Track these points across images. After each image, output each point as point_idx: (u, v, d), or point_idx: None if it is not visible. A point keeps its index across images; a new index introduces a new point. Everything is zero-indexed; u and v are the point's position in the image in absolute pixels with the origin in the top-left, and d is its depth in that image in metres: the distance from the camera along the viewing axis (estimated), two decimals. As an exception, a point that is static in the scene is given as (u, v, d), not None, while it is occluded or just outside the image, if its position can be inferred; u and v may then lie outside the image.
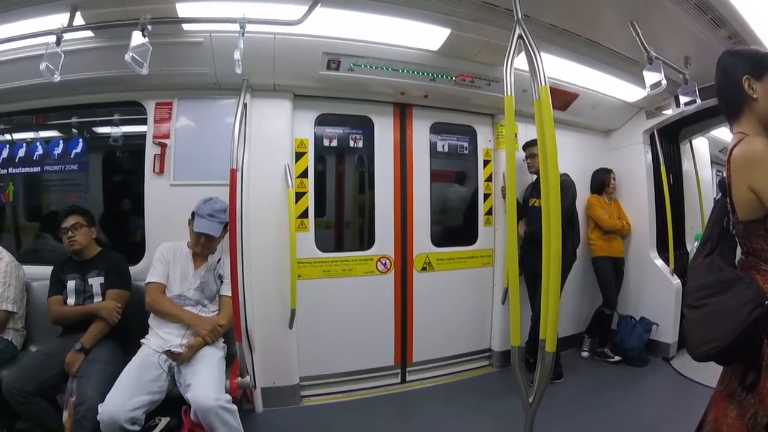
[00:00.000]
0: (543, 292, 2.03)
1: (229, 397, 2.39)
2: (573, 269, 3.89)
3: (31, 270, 3.12)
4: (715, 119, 4.72)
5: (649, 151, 4.59)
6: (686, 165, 5.27)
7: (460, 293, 4.03)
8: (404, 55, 3.20)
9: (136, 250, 3.22)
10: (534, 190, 3.83)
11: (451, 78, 3.47)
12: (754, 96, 1.45)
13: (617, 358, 4.22)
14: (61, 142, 3.49)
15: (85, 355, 2.58)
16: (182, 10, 2.64)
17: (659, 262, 4.40)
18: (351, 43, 3.05)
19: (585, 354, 4.44)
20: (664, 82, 2.87)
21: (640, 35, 2.81)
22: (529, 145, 3.76)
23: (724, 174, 1.48)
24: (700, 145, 5.63)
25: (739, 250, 1.53)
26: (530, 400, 2.11)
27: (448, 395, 3.65)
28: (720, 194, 1.54)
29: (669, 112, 4.31)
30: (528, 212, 3.73)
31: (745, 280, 1.38)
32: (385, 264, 3.76)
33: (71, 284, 2.82)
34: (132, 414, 2.23)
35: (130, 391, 2.31)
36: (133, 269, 3.03)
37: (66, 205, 3.31)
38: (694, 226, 5.02)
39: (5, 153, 3.52)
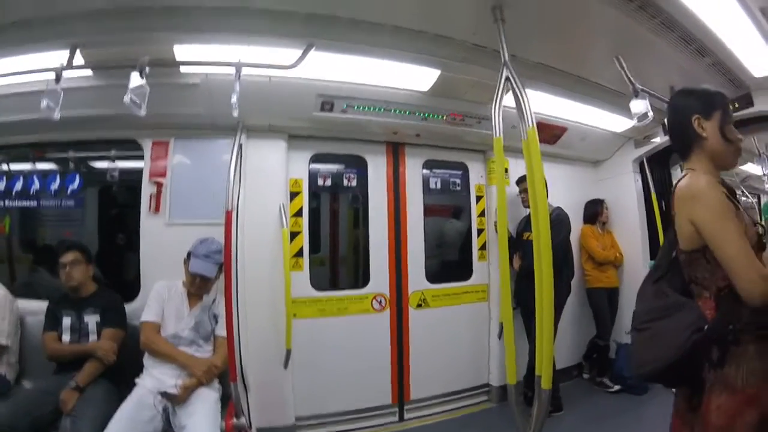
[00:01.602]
0: (537, 327, 2.05)
1: (224, 438, 2.37)
2: (568, 301, 3.90)
3: (25, 304, 3.09)
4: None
5: (639, 179, 4.65)
6: (679, 189, 5.31)
7: (456, 329, 4.02)
8: (396, 95, 3.28)
9: (131, 288, 3.20)
10: (528, 223, 3.82)
11: (442, 117, 3.54)
12: (704, 135, 1.53)
13: (617, 387, 4.20)
14: (57, 176, 3.50)
15: (79, 394, 2.55)
16: (180, 53, 2.70)
17: (654, 289, 4.39)
18: (344, 85, 3.12)
19: (586, 376, 4.48)
20: (650, 114, 2.93)
21: (625, 69, 2.87)
22: (522, 180, 3.81)
23: None
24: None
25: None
26: (529, 434, 2.11)
27: (447, 432, 3.60)
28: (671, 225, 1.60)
29: (657, 140, 4.38)
30: (522, 246, 3.75)
31: (688, 305, 1.45)
32: (380, 302, 3.76)
33: (66, 321, 2.80)
34: (126, 455, 2.19)
35: (124, 431, 2.29)
36: (127, 307, 3.00)
37: (62, 239, 3.32)
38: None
39: (1, 186, 3.52)
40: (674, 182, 1.54)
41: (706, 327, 1.37)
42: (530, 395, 3.38)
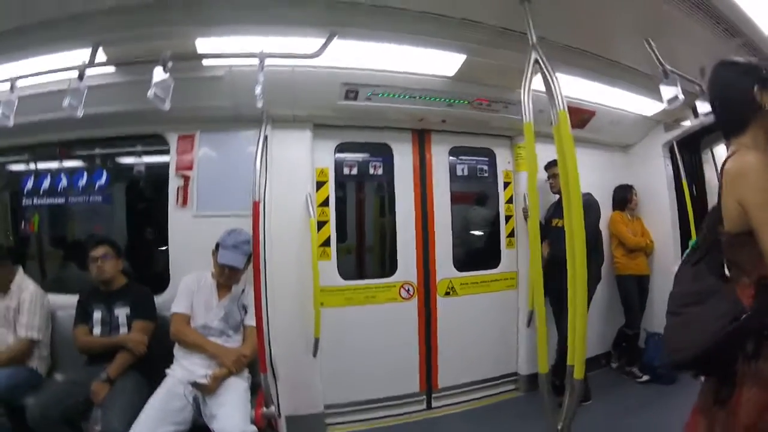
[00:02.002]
0: (570, 316, 2.00)
1: (254, 428, 2.39)
2: (598, 288, 3.83)
3: (55, 299, 3.17)
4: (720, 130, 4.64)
5: (670, 164, 4.53)
6: (709, 174, 5.19)
7: (484, 317, 3.99)
8: (421, 82, 3.23)
9: (159, 281, 3.25)
10: (556, 210, 3.81)
11: (468, 103, 3.49)
12: (766, 106, 1.43)
13: (645, 377, 4.13)
14: (84, 173, 3.58)
15: (110, 385, 2.60)
16: (202, 46, 2.70)
17: (686, 276, 4.29)
18: (368, 72, 3.09)
19: (614, 365, 4.44)
20: (681, 96, 2.83)
21: (655, 50, 2.78)
22: (551, 166, 3.72)
23: None
24: (723, 152, 5.49)
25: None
26: (559, 426, 2.08)
27: (475, 421, 3.60)
28: (715, 204, 1.53)
29: (688, 124, 4.26)
30: (550, 233, 3.69)
31: (725, 292, 1.38)
32: (408, 290, 3.75)
33: (97, 315, 2.86)
34: (157, 444, 2.23)
35: (155, 421, 2.33)
36: (157, 299, 3.06)
37: (91, 234, 3.41)
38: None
39: (30, 184, 3.61)
40: (722, 160, 1.45)
41: (743, 317, 1.30)
42: (558, 384, 3.33)
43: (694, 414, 1.51)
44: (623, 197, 4.42)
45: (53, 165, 3.66)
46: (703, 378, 1.60)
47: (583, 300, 1.95)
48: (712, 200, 4.96)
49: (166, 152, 3.35)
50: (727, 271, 1.47)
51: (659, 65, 2.80)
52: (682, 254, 4.34)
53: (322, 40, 2.61)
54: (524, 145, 3.74)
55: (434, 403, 3.82)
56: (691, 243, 4.35)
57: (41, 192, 3.60)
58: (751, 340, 1.30)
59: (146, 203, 3.74)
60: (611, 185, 4.47)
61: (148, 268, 3.60)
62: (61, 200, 3.62)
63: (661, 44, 2.79)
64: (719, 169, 1.45)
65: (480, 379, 3.98)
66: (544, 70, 2.07)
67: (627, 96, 3.83)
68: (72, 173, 3.59)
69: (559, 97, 2.00)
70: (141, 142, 3.53)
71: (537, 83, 2.10)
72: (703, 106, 3.41)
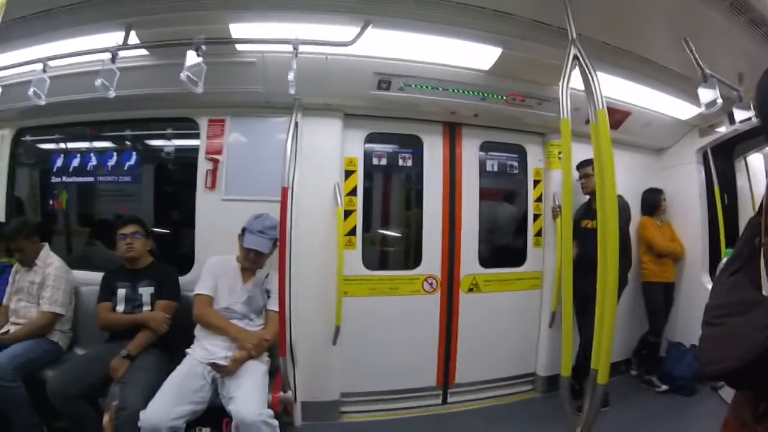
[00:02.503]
0: (597, 320, 1.98)
1: (271, 411, 2.41)
2: (623, 293, 3.74)
3: (80, 275, 3.25)
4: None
5: (702, 170, 4.42)
6: (741, 182, 5.07)
7: (506, 315, 3.95)
8: (455, 74, 3.20)
9: (185, 261, 3.29)
10: (587, 211, 3.74)
11: (502, 97, 3.44)
12: None
13: (665, 387, 4.04)
14: (114, 154, 3.64)
15: (130, 362, 2.64)
16: (235, 31, 2.71)
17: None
18: (402, 63, 3.07)
19: (633, 372, 4.38)
20: (719, 101, 2.76)
21: (694, 52, 2.72)
22: (583, 165, 3.67)
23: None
24: (755, 161, 5.35)
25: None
26: (578, 430, 2.05)
27: (490, 419, 3.58)
28: (756, 213, 1.47)
29: (723, 130, 4.12)
30: (579, 234, 3.60)
31: (767, 304, 1.30)
32: (431, 284, 3.73)
33: (121, 292, 2.90)
34: (173, 423, 2.26)
35: (172, 399, 2.36)
36: (182, 279, 3.10)
37: (120, 213, 3.46)
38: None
39: (60, 162, 3.68)
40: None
41: None
42: (577, 388, 3.31)
43: (727, 428, 1.46)
44: (653, 202, 4.31)
45: (83, 144, 3.74)
46: (734, 391, 1.56)
47: (613, 304, 1.93)
48: (743, 209, 4.90)
49: (196, 136, 3.38)
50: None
51: (698, 68, 2.74)
52: (710, 263, 4.26)
53: (357, 29, 2.61)
54: (558, 143, 3.77)
55: (450, 399, 3.81)
56: (726, 252, 4.28)
57: (71, 170, 3.67)
58: None
59: (174, 185, 3.78)
60: (641, 188, 4.37)
61: (175, 249, 3.64)
62: (90, 179, 3.69)
63: (699, 47, 2.74)
64: None
65: (497, 377, 3.95)
66: (584, 66, 2.04)
67: (663, 98, 3.74)
68: (102, 153, 3.65)
69: (599, 95, 1.96)
70: (171, 124, 3.57)
71: (572, 81, 2.07)
72: (740, 113, 3.33)
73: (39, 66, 2.75)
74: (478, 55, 3.03)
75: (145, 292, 2.92)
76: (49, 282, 3.00)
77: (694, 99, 2.93)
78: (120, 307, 2.89)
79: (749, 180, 5.13)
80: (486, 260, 3.92)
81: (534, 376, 4.07)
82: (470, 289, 3.84)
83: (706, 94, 2.78)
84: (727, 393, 3.77)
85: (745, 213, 4.93)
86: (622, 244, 3.45)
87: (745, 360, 1.27)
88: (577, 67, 2.09)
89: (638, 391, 4.11)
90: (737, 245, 1.54)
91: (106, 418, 2.45)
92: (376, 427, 3.41)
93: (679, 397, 3.91)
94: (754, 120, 3.28)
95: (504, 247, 4.21)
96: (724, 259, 1.60)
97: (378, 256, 3.86)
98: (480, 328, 3.84)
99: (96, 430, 2.50)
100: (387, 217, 3.95)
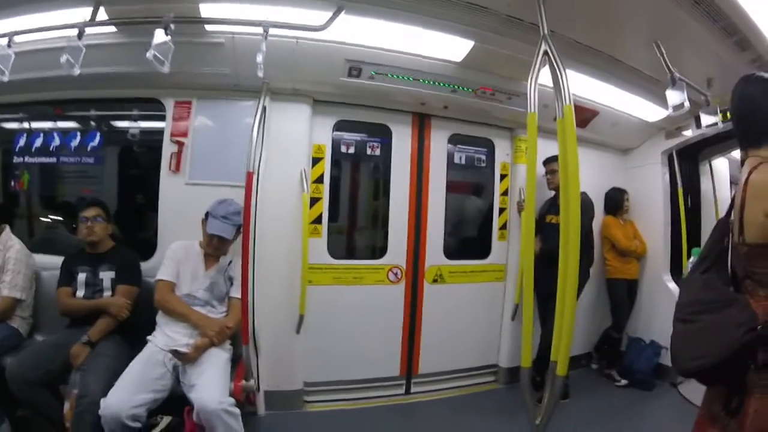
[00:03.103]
0: (557, 313, 2.01)
1: (232, 400, 2.38)
2: (585, 288, 3.82)
3: (41, 259, 3.13)
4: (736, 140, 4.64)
5: (667, 172, 4.53)
6: (705, 185, 5.22)
7: (470, 307, 4.00)
8: (426, 65, 3.19)
9: (147, 247, 3.22)
10: (551, 206, 3.79)
11: (472, 90, 3.45)
12: None
13: (624, 382, 4.15)
14: (78, 134, 3.52)
15: (91, 348, 2.58)
16: (205, 11, 2.65)
17: (672, 285, 4.32)
18: (373, 51, 3.04)
19: (594, 366, 4.49)
20: (687, 104, 2.82)
21: (665, 55, 2.77)
22: (550, 161, 3.71)
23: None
24: (720, 165, 5.55)
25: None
26: (537, 421, 2.09)
27: (452, 409, 3.63)
28: (725, 214, 1.53)
29: (689, 133, 4.23)
30: (544, 229, 3.67)
31: (741, 301, 1.38)
32: (396, 274, 3.74)
33: (82, 277, 2.83)
34: (134, 411, 2.22)
35: (133, 387, 2.31)
36: (144, 265, 3.04)
37: (83, 196, 3.36)
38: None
39: (22, 142, 3.55)
40: (745, 170, 1.44)
41: (759, 327, 1.30)
42: (538, 380, 3.37)
43: (701, 424, 1.51)
44: (616, 201, 4.41)
45: (47, 124, 3.60)
46: (695, 388, 1.60)
47: (573, 298, 1.96)
48: (706, 211, 5.04)
49: (162, 118, 3.29)
50: (738, 282, 1.47)
51: (668, 70, 2.79)
52: (672, 262, 4.38)
53: (329, 14, 2.58)
54: (525, 138, 3.79)
55: (413, 389, 3.84)
56: (694, 251, 4.42)
57: (33, 150, 3.54)
58: (762, 351, 1.30)
59: (139, 168, 3.69)
60: (606, 186, 4.46)
61: (137, 233, 3.57)
62: (52, 160, 3.56)
63: (671, 50, 2.79)
64: (743, 180, 1.43)
65: (460, 368, 3.99)
66: (554, 62, 2.05)
67: (631, 99, 3.81)
68: (65, 133, 3.53)
69: (566, 92, 1.98)
70: (137, 105, 3.47)
71: (543, 78, 2.08)
72: (707, 117, 3.41)
73: (4, 41, 2.63)
74: (450, 47, 3.03)
75: (106, 276, 2.85)
76: (9, 266, 2.88)
77: (662, 101, 2.99)
78: (80, 292, 2.82)
79: (713, 183, 5.30)
80: (451, 252, 3.95)
81: (496, 367, 4.14)
82: (435, 280, 3.87)
83: (674, 97, 2.84)
84: (686, 389, 3.91)
85: (708, 215, 5.09)
86: (585, 240, 3.53)
87: (723, 356, 1.33)
88: (546, 64, 2.10)
89: (598, 385, 4.21)
90: (706, 245, 1.60)
91: (66, 406, 2.41)
92: (339, 416, 3.42)
93: (638, 392, 4.01)
94: (721, 125, 3.37)
95: (469, 240, 4.25)
96: (692, 258, 1.64)
97: (344, 244, 3.84)
98: (444, 319, 3.88)
99: (57, 418, 2.46)
100: (354, 205, 3.93)
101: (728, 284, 1.47)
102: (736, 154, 5.27)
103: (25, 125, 3.63)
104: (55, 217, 3.67)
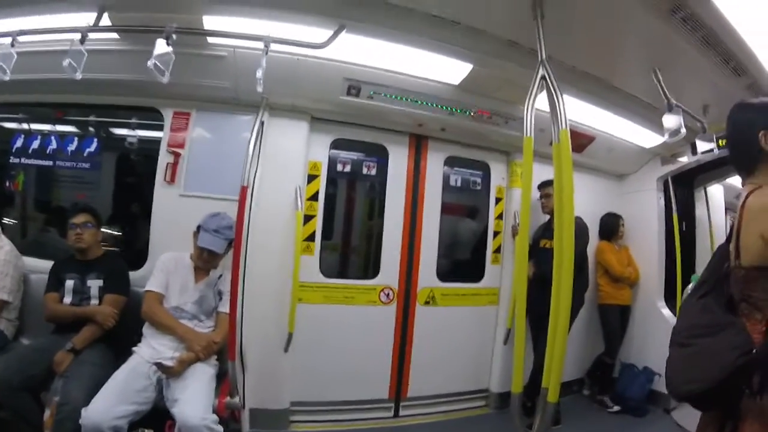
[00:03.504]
0: (549, 338, 1.98)
1: (215, 417, 2.34)
2: (579, 314, 3.81)
3: (31, 262, 3.11)
4: (731, 167, 4.65)
5: (662, 198, 4.55)
6: (700, 211, 5.25)
7: (461, 330, 3.96)
8: (425, 87, 3.21)
9: (138, 256, 3.19)
10: (546, 230, 3.79)
11: (469, 113, 3.48)
12: None
13: (617, 408, 4.11)
14: (75, 138, 3.52)
15: (75, 356, 2.55)
16: (208, 23, 2.65)
17: (666, 311, 4.31)
18: (373, 71, 3.06)
19: (586, 392, 4.45)
20: (683, 131, 2.83)
21: (661, 82, 2.79)
22: (545, 185, 3.73)
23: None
24: (715, 191, 5.57)
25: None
26: (528, 449, 2.06)
27: (441, 434, 3.56)
28: (725, 240, 1.53)
29: (684, 159, 4.26)
30: (538, 253, 3.66)
31: (737, 325, 1.37)
32: (388, 295, 3.71)
33: (69, 283, 2.81)
34: (115, 422, 2.18)
35: (116, 398, 2.27)
36: (133, 274, 3.01)
37: (75, 202, 3.31)
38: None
39: (19, 143, 3.53)
40: (742, 195, 1.45)
41: (754, 351, 1.29)
42: (529, 405, 3.32)
43: None
44: (611, 227, 4.42)
45: (45, 126, 3.59)
46: (688, 413, 1.60)
47: (565, 323, 1.94)
48: (701, 237, 5.05)
49: (160, 127, 3.29)
50: (735, 306, 1.46)
51: (664, 97, 2.81)
52: (666, 288, 4.37)
53: (330, 32, 2.59)
54: (521, 162, 3.80)
55: (402, 412, 3.78)
56: (693, 277, 4.40)
57: (30, 152, 3.53)
58: (758, 375, 1.29)
59: (135, 177, 3.68)
60: (601, 211, 4.47)
61: (129, 242, 3.55)
62: (48, 163, 3.55)
63: (667, 77, 2.80)
64: (740, 204, 1.44)
65: (450, 392, 3.94)
66: (551, 87, 2.06)
67: (628, 125, 3.83)
68: (63, 137, 3.53)
69: (563, 116, 1.99)
70: (136, 113, 3.47)
71: (540, 102, 2.09)
72: (703, 144, 3.43)
73: (7, 40, 2.61)
74: (448, 70, 3.05)
75: (94, 284, 2.83)
76: None
77: (658, 128, 3.00)
78: (67, 299, 2.79)
79: (708, 210, 5.31)
80: (444, 274, 3.93)
81: (487, 392, 4.08)
82: (427, 302, 3.84)
83: (670, 123, 2.85)
84: (680, 415, 3.89)
85: (703, 241, 5.11)
86: (580, 265, 3.54)
87: (716, 380, 1.32)
88: (544, 89, 2.11)
89: (590, 411, 4.17)
90: (705, 270, 1.60)
91: (47, 414, 2.37)
92: (326, 437, 3.36)
93: (631, 418, 3.98)
94: (716, 151, 3.38)
95: (463, 262, 4.24)
96: (690, 284, 1.64)
97: (336, 263, 3.82)
98: (435, 341, 3.84)
99: (37, 424, 2.41)
100: (347, 224, 3.92)
101: (724, 310, 1.46)
102: (732, 180, 5.35)
103: (24, 126, 3.62)
104: (48, 221, 3.63)
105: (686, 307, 1.57)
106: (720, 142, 3.37)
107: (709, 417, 1.47)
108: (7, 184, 3.62)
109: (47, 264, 2.94)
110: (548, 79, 2.07)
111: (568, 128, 1.96)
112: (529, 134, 2.01)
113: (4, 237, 3.01)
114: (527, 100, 2.06)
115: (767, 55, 2.72)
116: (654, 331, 4.29)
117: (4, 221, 3.51)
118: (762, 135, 1.44)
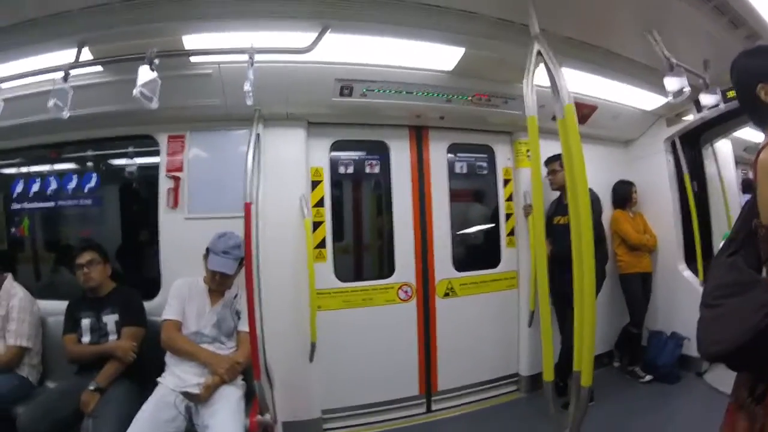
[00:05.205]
0: (576, 320, 1.95)
1: (248, 438, 2.31)
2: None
3: (46, 305, 3.11)
4: (737, 120, 4.58)
5: (672, 159, 4.47)
6: (710, 169, 5.17)
7: (484, 318, 3.92)
8: (418, 77, 3.16)
9: (151, 285, 3.18)
10: (558, 206, 3.73)
11: (467, 98, 3.42)
12: None
13: (648, 377, 4.05)
14: (74, 176, 3.51)
15: (100, 395, 2.54)
16: (189, 43, 2.62)
17: (688, 273, 4.24)
18: (363, 68, 3.02)
19: (616, 364, 4.41)
20: (687, 89, 2.76)
21: (660, 43, 2.72)
22: (551, 161, 3.66)
23: (750, 174, 1.42)
24: (723, 147, 5.46)
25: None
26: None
27: (476, 423, 3.55)
28: (750, 195, 1.45)
29: (690, 118, 4.19)
30: (552, 231, 3.58)
31: (763, 284, 1.31)
32: (406, 291, 3.68)
33: (85, 322, 2.80)
34: (149, 455, 2.16)
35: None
36: (148, 305, 2.99)
37: (80, 239, 3.32)
38: (722, 231, 4.84)
39: (19, 188, 3.54)
40: (757, 150, 1.38)
41: None
42: (562, 385, 3.28)
43: (730, 411, 1.43)
44: (623, 195, 4.34)
45: (43, 168, 3.60)
46: (720, 375, 1.55)
47: (592, 302, 1.89)
48: (713, 195, 4.96)
49: (157, 153, 3.27)
50: (764, 265, 1.39)
51: (664, 58, 2.74)
52: (685, 251, 4.30)
53: (315, 35, 2.54)
54: (525, 141, 3.75)
55: (434, 406, 3.76)
56: (723, 235, 4.32)
57: (31, 195, 3.53)
58: None
59: (138, 205, 3.65)
60: (611, 181, 4.40)
61: (140, 272, 3.53)
62: (51, 204, 3.55)
63: (664, 36, 2.73)
64: (754, 159, 1.36)
65: (480, 380, 3.91)
66: (548, 61, 2.00)
67: (629, 90, 3.76)
68: (61, 176, 3.52)
69: (564, 90, 1.92)
70: (132, 143, 3.45)
71: (538, 78, 2.03)
72: (707, 99, 3.35)
73: None
74: (440, 56, 2.99)
75: (110, 320, 2.81)
76: (14, 314, 2.86)
77: (661, 89, 2.93)
78: (86, 338, 2.78)
79: (717, 166, 5.22)
80: (460, 263, 3.89)
81: (517, 376, 4.04)
82: (446, 294, 3.81)
83: (673, 83, 2.78)
84: (712, 377, 3.82)
85: (716, 199, 5.02)
86: (597, 237, 3.47)
87: (742, 340, 1.26)
88: (541, 64, 2.05)
89: (622, 383, 4.11)
90: (734, 227, 1.53)
91: (79, 455, 2.35)
92: (361, 441, 3.34)
93: (664, 386, 3.92)
94: (722, 105, 3.30)
95: (477, 249, 4.19)
96: (722, 242, 1.59)
97: (350, 266, 3.79)
98: (459, 332, 3.81)
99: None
100: (357, 226, 3.89)
101: (754, 268, 1.39)
102: (738, 134, 5.25)
103: (21, 171, 3.62)
104: (58, 261, 3.64)
105: (715, 266, 1.52)
106: (729, 93, 3.28)
107: (741, 378, 1.42)
108: (13, 230, 3.63)
109: (63, 305, 2.93)
110: (544, 54, 2.03)
111: (572, 102, 1.89)
112: (531, 113, 1.96)
113: (16, 284, 3.02)
114: (525, 77, 2.01)
115: (764, 3, 2.65)
116: (678, 295, 4.23)
117: (15, 267, 3.47)
118: (761, 89, 1.39)
